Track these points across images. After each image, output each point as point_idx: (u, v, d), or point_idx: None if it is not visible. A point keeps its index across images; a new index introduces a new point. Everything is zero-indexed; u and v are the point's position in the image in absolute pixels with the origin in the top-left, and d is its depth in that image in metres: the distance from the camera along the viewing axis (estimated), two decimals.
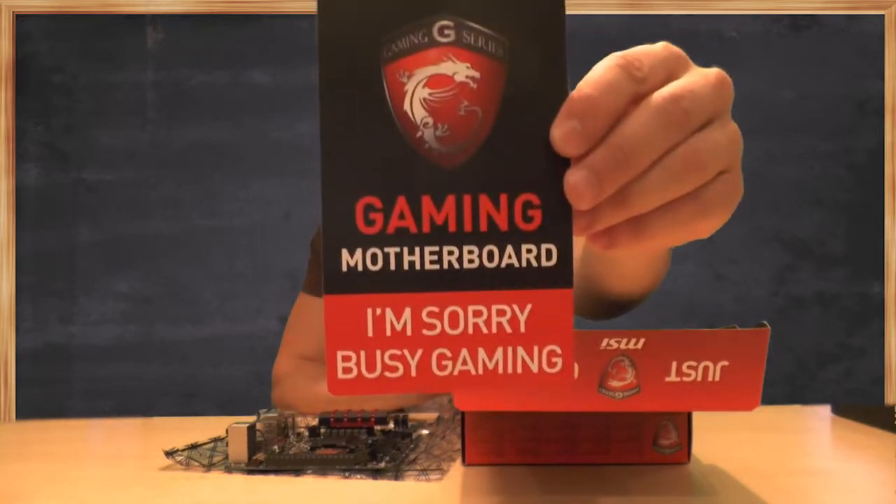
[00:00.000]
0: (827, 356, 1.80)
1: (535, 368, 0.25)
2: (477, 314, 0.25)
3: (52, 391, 1.79)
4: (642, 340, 0.35)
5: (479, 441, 0.47)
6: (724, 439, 0.55)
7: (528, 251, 0.25)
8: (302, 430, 0.56)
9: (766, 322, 0.36)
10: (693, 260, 1.76)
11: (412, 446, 0.52)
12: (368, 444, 0.50)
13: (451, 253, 0.25)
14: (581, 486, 0.42)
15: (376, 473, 0.46)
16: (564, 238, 0.25)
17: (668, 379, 0.35)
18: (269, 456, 0.49)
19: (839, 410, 0.66)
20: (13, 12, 1.77)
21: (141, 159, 1.81)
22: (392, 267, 0.25)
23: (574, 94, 0.25)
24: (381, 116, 0.25)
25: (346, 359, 0.25)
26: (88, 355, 1.80)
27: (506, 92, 0.25)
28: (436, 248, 0.25)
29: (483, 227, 0.25)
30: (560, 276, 0.25)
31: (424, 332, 0.25)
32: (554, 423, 0.47)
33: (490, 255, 0.25)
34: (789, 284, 1.80)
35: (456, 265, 0.25)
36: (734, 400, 0.36)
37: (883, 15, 1.77)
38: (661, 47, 0.27)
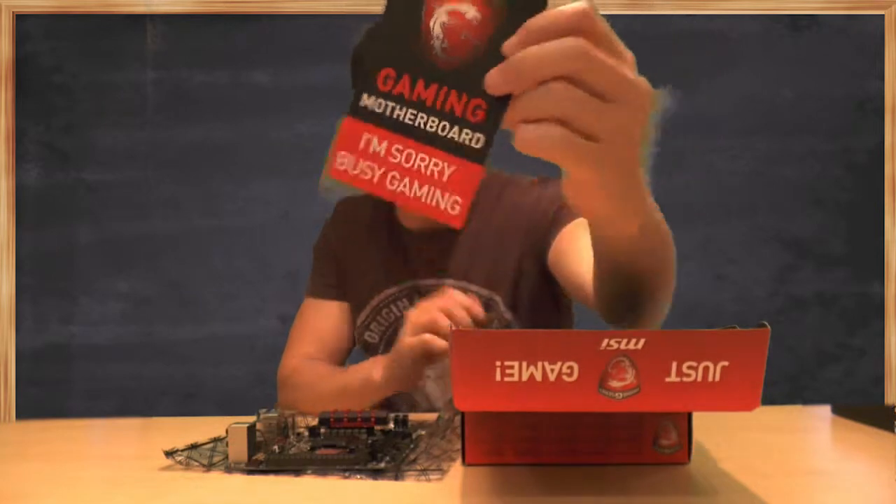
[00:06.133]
0: (827, 356, 1.80)
1: (443, 206, 0.38)
2: (422, 160, 0.38)
3: (52, 391, 1.79)
4: (642, 341, 0.35)
5: (479, 441, 0.47)
6: (724, 439, 0.55)
7: (467, 134, 0.37)
8: (302, 430, 0.56)
9: (766, 322, 0.35)
10: (693, 260, 1.76)
11: (412, 446, 0.52)
12: (368, 444, 0.50)
13: (422, 117, 0.37)
14: (581, 486, 0.42)
15: (376, 473, 0.46)
16: (491, 134, 0.37)
17: (668, 379, 0.35)
18: (269, 456, 0.49)
19: (839, 410, 0.66)
20: (13, 12, 1.77)
21: (141, 159, 1.81)
22: (387, 113, 0.38)
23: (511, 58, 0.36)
24: (414, 25, 0.37)
25: (342, 157, 0.38)
26: (88, 355, 1.80)
27: (493, 35, 0.37)
28: (415, 111, 0.37)
29: (447, 109, 0.37)
30: (479, 156, 0.37)
31: (390, 158, 0.38)
32: (554, 423, 0.47)
33: (444, 128, 0.37)
34: (789, 284, 1.80)
35: (422, 126, 0.37)
36: (734, 400, 0.36)
37: (883, 15, 1.77)
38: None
